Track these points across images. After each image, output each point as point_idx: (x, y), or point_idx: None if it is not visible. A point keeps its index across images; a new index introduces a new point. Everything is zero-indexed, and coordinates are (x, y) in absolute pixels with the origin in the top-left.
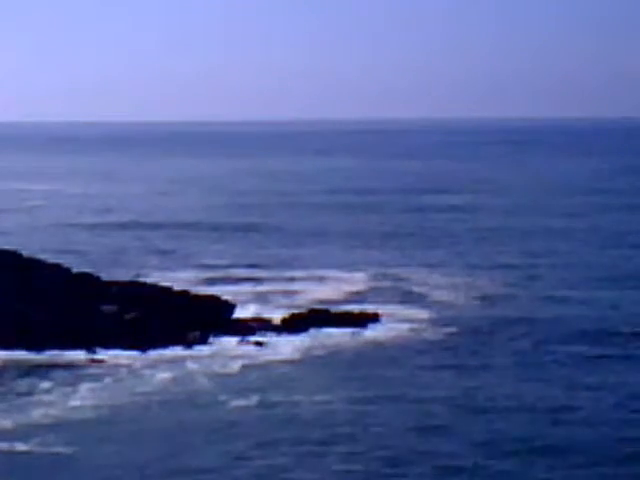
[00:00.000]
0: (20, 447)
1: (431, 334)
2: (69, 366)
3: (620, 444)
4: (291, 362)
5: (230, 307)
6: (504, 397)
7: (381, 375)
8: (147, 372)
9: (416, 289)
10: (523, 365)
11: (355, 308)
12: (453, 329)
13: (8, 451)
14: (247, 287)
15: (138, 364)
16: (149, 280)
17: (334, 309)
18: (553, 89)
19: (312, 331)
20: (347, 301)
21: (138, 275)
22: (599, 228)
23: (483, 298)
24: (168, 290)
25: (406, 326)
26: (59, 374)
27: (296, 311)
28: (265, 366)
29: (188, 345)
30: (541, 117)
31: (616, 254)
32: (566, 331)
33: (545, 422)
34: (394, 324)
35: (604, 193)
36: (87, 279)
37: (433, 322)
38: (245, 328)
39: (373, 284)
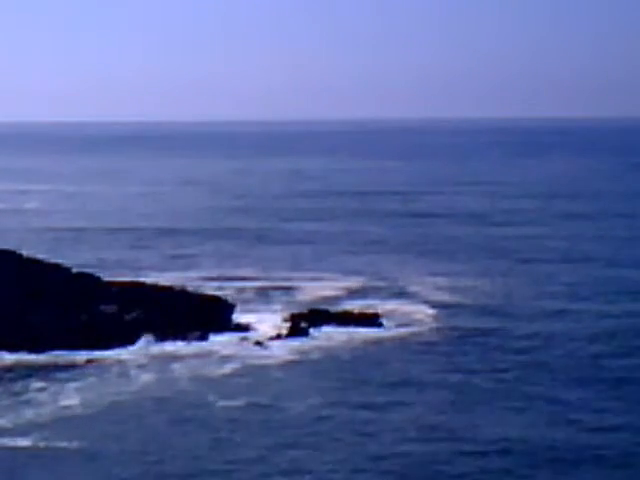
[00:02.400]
0: (20, 443)
1: (430, 337)
2: (69, 366)
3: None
4: (288, 364)
5: (230, 307)
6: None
7: (376, 380)
8: (147, 372)
9: (416, 291)
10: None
11: (355, 308)
12: (451, 333)
13: (8, 447)
14: (247, 287)
15: (138, 364)
16: (149, 280)
17: (334, 309)
18: (553, 89)
19: (312, 331)
20: (347, 301)
21: (138, 275)
22: (603, 233)
23: (484, 302)
24: (168, 290)
25: (405, 328)
26: (59, 374)
27: (296, 311)
28: (261, 368)
29: (188, 345)
30: (541, 117)
31: (620, 260)
32: (553, 346)
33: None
34: (393, 325)
35: (607, 196)
36: (87, 279)
37: (432, 324)
38: (245, 328)
39: (373, 286)
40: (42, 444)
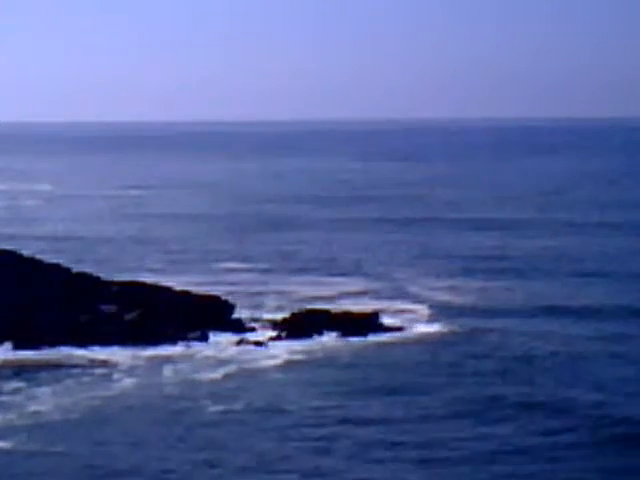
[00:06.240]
0: (3, 445)
1: (430, 338)
2: (68, 366)
3: None
4: (287, 366)
5: (230, 307)
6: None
7: (376, 383)
8: (146, 372)
9: (416, 292)
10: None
11: (355, 308)
12: (451, 334)
13: None
14: (247, 287)
15: (137, 364)
16: (149, 280)
17: (334, 309)
18: (553, 89)
19: (312, 332)
20: (347, 302)
21: (138, 275)
22: (607, 239)
23: (484, 304)
24: (168, 290)
25: (405, 329)
26: (59, 374)
27: (296, 311)
28: (259, 370)
29: (187, 345)
30: (541, 118)
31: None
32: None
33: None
34: (394, 325)
35: (609, 201)
36: (87, 279)
37: (432, 325)
38: (245, 328)
39: (373, 286)
40: (18, 447)
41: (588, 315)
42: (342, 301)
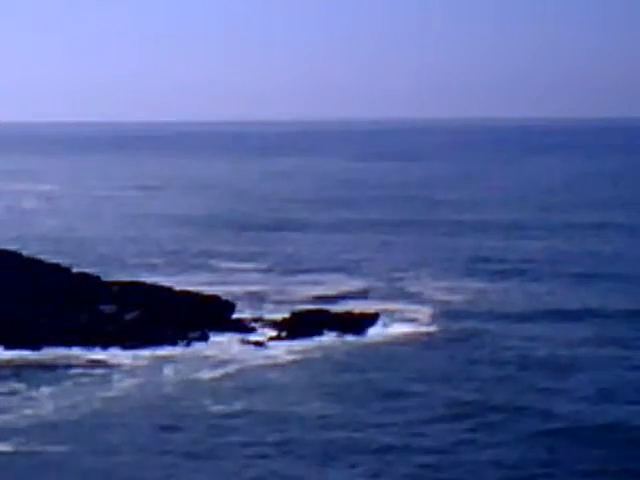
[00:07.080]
0: (3, 447)
1: (430, 339)
2: (69, 366)
3: None
4: (287, 366)
5: (230, 307)
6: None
7: (376, 383)
8: (146, 372)
9: (416, 292)
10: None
11: (356, 308)
12: (451, 335)
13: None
14: (247, 287)
15: (137, 364)
16: (149, 280)
17: (335, 309)
18: (553, 89)
19: (312, 331)
20: (348, 302)
21: (138, 275)
22: (607, 243)
23: (483, 305)
24: (168, 290)
25: (405, 329)
26: (58, 374)
27: (297, 311)
28: (259, 370)
29: (188, 345)
30: (541, 117)
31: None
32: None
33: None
34: (393, 325)
35: (609, 204)
36: (87, 279)
37: (432, 326)
38: (245, 328)
39: (374, 287)
40: (18, 448)
41: (589, 317)
42: (342, 301)
